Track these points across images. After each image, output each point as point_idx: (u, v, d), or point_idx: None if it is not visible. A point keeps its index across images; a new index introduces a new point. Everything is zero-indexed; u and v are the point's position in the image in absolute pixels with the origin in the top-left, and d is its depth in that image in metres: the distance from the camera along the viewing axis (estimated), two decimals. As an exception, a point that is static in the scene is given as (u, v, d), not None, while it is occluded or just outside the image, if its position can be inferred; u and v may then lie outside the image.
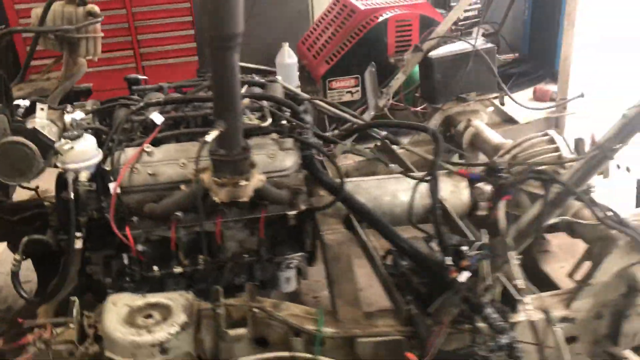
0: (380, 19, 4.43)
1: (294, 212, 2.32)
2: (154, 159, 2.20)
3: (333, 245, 2.25)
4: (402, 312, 2.12)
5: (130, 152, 2.20)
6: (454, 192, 2.54)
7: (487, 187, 2.06)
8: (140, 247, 2.22)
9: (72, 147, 1.96)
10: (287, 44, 6.07)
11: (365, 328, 2.14)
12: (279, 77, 2.73)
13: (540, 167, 2.16)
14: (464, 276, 1.95)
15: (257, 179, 2.13)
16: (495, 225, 2.14)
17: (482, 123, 3.37)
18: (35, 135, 1.94)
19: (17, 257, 2.14)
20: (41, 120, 2.18)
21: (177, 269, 2.24)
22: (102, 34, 3.18)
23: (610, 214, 2.07)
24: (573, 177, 1.99)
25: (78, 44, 3.11)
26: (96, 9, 3.09)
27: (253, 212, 2.28)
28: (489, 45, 3.33)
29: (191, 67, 5.47)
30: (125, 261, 2.22)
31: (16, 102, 2.15)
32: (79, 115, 2.30)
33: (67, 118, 2.31)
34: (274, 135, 2.28)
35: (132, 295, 2.06)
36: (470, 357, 1.90)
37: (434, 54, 3.32)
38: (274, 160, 2.24)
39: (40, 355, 2.04)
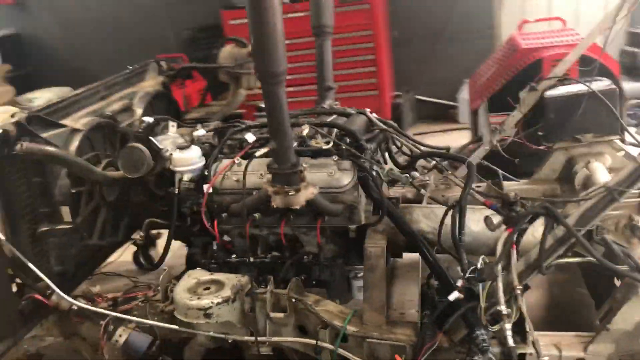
0: (537, 57, 4.45)
1: (353, 226, 2.69)
2: (241, 169, 2.77)
3: (371, 257, 2.55)
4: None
5: (225, 163, 2.80)
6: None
7: (497, 218, 2.17)
8: (226, 238, 2.80)
9: (171, 154, 2.63)
10: (468, 80, 6.28)
11: (383, 333, 2.41)
12: (367, 110, 3.09)
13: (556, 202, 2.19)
14: (452, 295, 2.12)
15: (309, 191, 2.55)
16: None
17: (600, 165, 3.27)
18: (148, 142, 2.65)
19: (142, 233, 2.88)
20: (171, 134, 2.92)
21: (251, 259, 2.77)
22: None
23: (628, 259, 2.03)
24: (580, 218, 2.01)
25: (240, 78, 3.90)
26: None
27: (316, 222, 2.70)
28: (611, 87, 3.23)
29: (372, 100, 6.03)
30: (214, 247, 2.82)
31: (143, 118, 2.90)
32: (201, 132, 2.98)
33: (196, 133, 3.00)
34: (335, 157, 2.68)
35: (204, 272, 2.64)
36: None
37: (549, 93, 3.34)
38: (332, 178, 2.64)
39: (141, 308, 2.74)
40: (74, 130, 2.72)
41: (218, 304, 2.42)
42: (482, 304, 2.12)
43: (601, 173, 3.22)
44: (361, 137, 2.70)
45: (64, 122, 2.75)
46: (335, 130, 2.79)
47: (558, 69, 3.43)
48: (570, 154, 3.44)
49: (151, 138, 2.69)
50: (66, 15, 7.44)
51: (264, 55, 2.24)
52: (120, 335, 2.67)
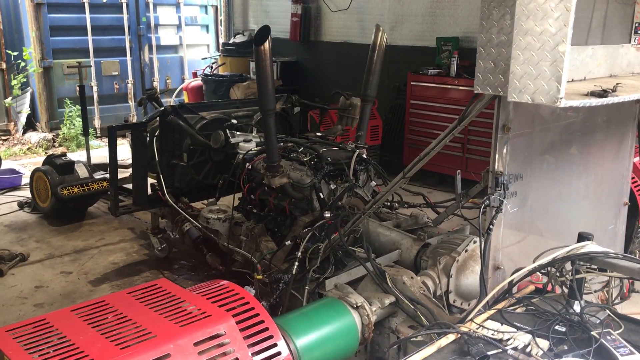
0: None
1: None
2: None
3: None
4: None
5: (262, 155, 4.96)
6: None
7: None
8: (252, 196, 4.98)
9: (238, 143, 4.92)
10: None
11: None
12: (364, 151, 4.89)
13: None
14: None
15: (282, 180, 4.54)
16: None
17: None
18: (225, 133, 4.98)
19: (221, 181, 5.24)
20: (251, 134, 5.21)
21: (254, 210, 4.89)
22: (357, 117, 5.90)
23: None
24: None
25: (342, 118, 5.96)
26: (355, 101, 5.83)
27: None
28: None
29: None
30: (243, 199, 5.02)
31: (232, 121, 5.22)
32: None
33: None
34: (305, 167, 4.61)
35: (226, 207, 4.88)
36: None
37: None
38: (300, 177, 4.57)
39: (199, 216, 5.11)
40: (202, 118, 5.24)
41: (214, 219, 4.65)
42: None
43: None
44: (324, 160, 4.59)
45: (201, 113, 5.28)
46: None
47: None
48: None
49: (227, 131, 5.01)
50: (326, 54, 10.30)
51: (262, 95, 4.34)
52: (186, 226, 5.08)
